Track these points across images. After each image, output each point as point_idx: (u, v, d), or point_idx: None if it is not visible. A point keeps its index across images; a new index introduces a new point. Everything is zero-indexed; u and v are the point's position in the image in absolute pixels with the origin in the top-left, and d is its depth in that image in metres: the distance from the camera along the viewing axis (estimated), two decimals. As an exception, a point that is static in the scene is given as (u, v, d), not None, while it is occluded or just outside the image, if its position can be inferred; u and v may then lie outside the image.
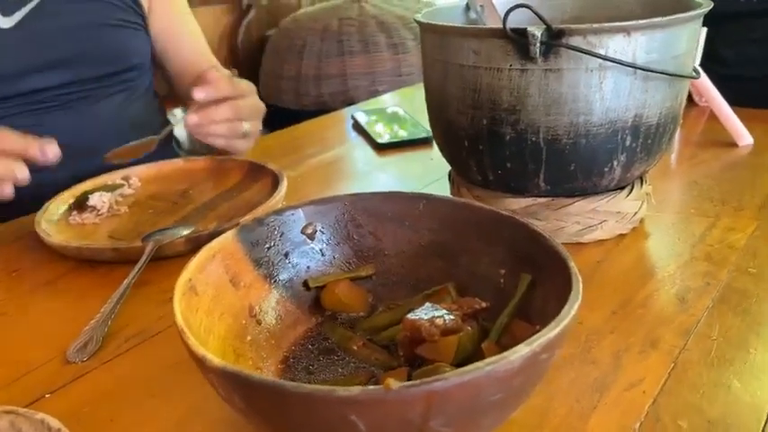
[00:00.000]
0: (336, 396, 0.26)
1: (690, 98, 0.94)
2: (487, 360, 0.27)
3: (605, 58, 0.48)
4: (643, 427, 0.37)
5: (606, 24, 0.48)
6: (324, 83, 1.94)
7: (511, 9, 0.49)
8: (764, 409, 0.38)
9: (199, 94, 0.68)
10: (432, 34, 0.57)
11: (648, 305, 0.49)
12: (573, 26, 0.48)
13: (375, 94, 1.32)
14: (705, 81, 0.84)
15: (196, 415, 0.40)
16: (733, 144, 0.80)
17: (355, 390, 0.26)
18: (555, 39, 0.48)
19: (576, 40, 0.48)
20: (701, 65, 0.84)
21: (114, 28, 0.88)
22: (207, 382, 0.34)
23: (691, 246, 0.57)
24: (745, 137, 0.80)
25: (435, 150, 0.85)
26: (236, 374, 0.28)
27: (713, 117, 0.85)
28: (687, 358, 0.42)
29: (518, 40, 0.49)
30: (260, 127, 0.78)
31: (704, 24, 0.81)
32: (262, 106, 0.78)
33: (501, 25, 0.49)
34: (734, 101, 0.82)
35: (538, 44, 0.48)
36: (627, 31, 0.49)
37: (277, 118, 1.77)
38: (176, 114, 2.08)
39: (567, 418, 0.38)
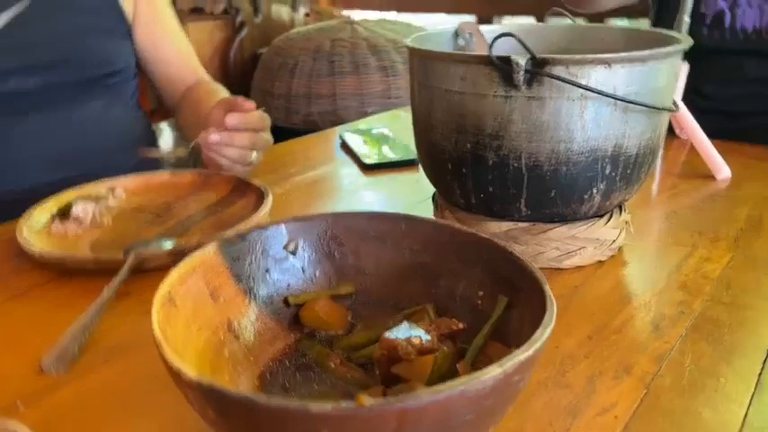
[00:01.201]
0: (309, 412, 0.26)
1: (671, 130, 0.96)
2: (460, 380, 0.28)
3: (586, 89, 0.50)
4: (614, 451, 0.37)
5: (588, 56, 0.50)
6: (314, 102, 1.96)
7: (497, 37, 0.50)
8: (733, 437, 0.38)
9: (232, 120, 0.72)
10: (420, 59, 0.59)
11: (624, 331, 0.49)
12: (556, 56, 0.49)
13: (364, 115, 1.34)
14: (686, 114, 0.86)
15: (172, 429, 0.40)
16: (711, 177, 0.82)
17: (328, 406, 0.26)
18: (538, 68, 0.50)
19: (558, 70, 0.50)
20: (684, 99, 0.87)
21: (97, 33, 0.89)
22: (183, 400, 0.34)
23: (667, 274, 0.58)
24: (723, 170, 0.82)
25: (421, 172, 0.86)
26: (210, 388, 0.28)
27: (693, 149, 0.87)
28: (659, 384, 0.43)
29: (503, 67, 0.50)
30: (261, 158, 0.81)
31: (690, 59, 0.83)
32: (271, 140, 0.82)
33: (487, 53, 0.50)
34: (715, 134, 0.84)
35: (522, 72, 0.49)
36: (608, 63, 0.50)
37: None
38: (161, 128, 2.09)
39: (540, 441, 0.38)
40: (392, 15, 2.57)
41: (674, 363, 0.45)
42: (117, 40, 0.93)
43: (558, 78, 0.50)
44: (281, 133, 1.17)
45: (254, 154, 0.78)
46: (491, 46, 0.50)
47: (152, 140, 1.07)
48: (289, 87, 1.98)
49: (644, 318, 0.51)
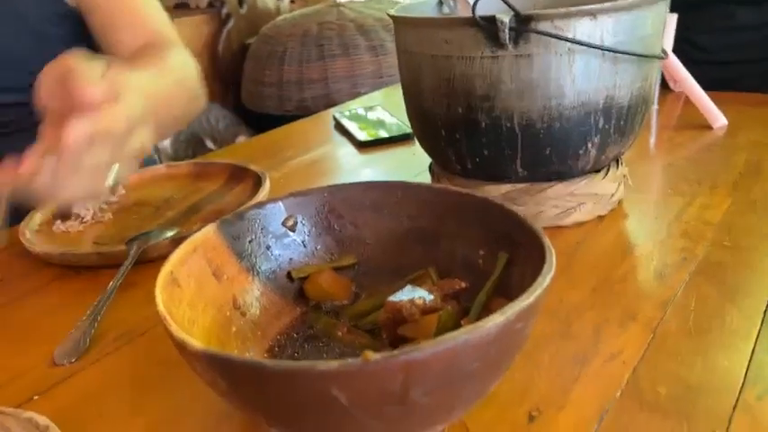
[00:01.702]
0: (316, 371, 0.27)
1: (665, 85, 0.95)
2: (463, 329, 0.28)
3: (573, 42, 0.49)
4: (623, 395, 0.38)
5: (573, 9, 0.49)
6: (306, 87, 1.95)
7: (479, -3, 0.50)
8: (741, 372, 0.39)
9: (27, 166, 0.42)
10: (404, 27, 0.58)
11: (627, 281, 0.50)
12: (540, 12, 0.49)
13: (357, 96, 1.33)
14: (678, 66, 0.86)
15: (185, 409, 0.40)
16: (708, 126, 0.82)
17: (334, 363, 0.27)
18: (523, 24, 0.49)
19: (544, 26, 0.49)
20: (676, 50, 0.86)
21: (56, 37, 0.79)
22: (194, 378, 0.34)
23: (668, 224, 0.58)
24: (719, 119, 0.82)
25: (417, 146, 0.86)
26: (217, 356, 0.28)
27: (688, 102, 0.86)
28: (665, 329, 0.43)
29: (488, 27, 0.50)
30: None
31: (682, 10, 0.82)
32: (141, 142, 0.48)
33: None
34: (709, 85, 0.84)
35: (507, 30, 0.49)
36: (593, 14, 0.50)
37: (261, 124, 1.77)
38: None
39: (549, 391, 0.38)
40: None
41: (679, 307, 0.45)
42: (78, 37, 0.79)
43: (544, 33, 0.49)
44: (275, 121, 1.17)
45: (113, 171, 0.46)
46: (474, 7, 0.50)
47: None
48: (280, 75, 1.97)
49: (647, 267, 0.51)
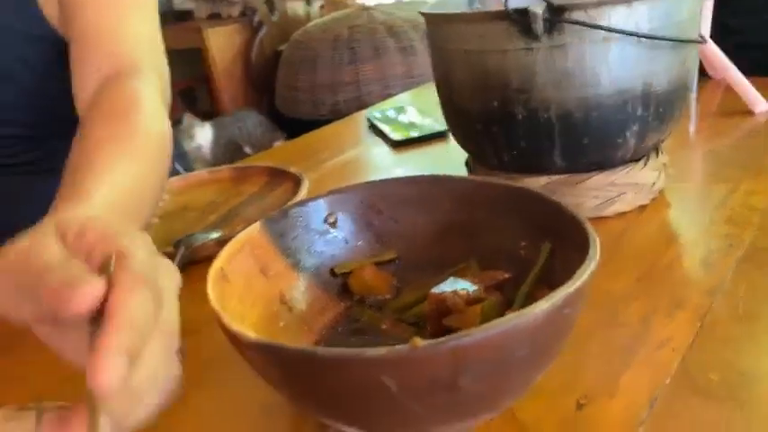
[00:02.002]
0: (365, 357, 0.27)
1: (703, 72, 0.94)
2: (511, 315, 0.28)
3: (608, 30, 0.49)
4: (673, 382, 0.37)
5: (607, -4, 0.49)
6: (338, 91, 1.97)
7: (512, -10, 0.50)
8: (795, 357, 0.38)
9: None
10: (437, 24, 0.59)
11: (673, 269, 0.49)
12: (573, 1, 0.49)
13: (388, 97, 1.34)
14: (716, 51, 0.84)
15: (233, 405, 0.41)
16: (749, 112, 0.80)
17: (383, 349, 0.27)
18: (557, 15, 0.49)
19: (577, 15, 0.49)
20: (713, 37, 0.84)
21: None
22: (241, 376, 0.35)
23: (712, 211, 0.57)
24: (760, 103, 0.80)
25: (451, 144, 0.86)
26: (270, 345, 0.29)
27: (728, 89, 0.85)
28: (714, 316, 0.43)
29: (520, 20, 0.50)
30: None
31: (715, -3, 0.81)
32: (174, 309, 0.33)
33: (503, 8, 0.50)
34: (748, 70, 0.82)
35: (540, 22, 0.49)
36: (628, 1, 0.49)
37: (295, 129, 1.80)
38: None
39: (598, 380, 0.38)
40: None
41: (727, 294, 0.45)
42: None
43: (578, 23, 0.49)
44: (309, 126, 1.19)
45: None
46: (506, 0, 0.50)
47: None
48: (312, 80, 1.99)
49: (692, 254, 0.51)
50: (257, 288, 0.41)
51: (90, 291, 0.26)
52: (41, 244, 0.30)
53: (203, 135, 2.09)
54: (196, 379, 0.44)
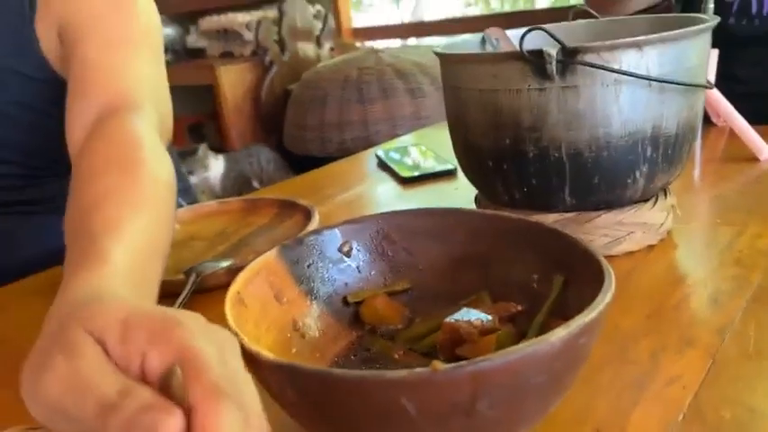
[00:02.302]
0: (386, 379, 0.27)
1: (708, 119, 0.96)
2: (529, 342, 0.29)
3: (620, 72, 0.51)
4: (686, 419, 0.37)
5: (618, 41, 0.51)
6: (346, 129, 2.00)
7: (527, 32, 0.52)
8: (807, 397, 0.38)
9: None
10: (451, 64, 0.61)
11: (682, 308, 0.49)
12: (587, 44, 0.51)
13: (395, 137, 1.37)
14: (720, 99, 0.86)
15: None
16: (754, 159, 0.81)
17: (403, 372, 0.27)
18: (570, 57, 0.51)
19: (590, 57, 0.51)
20: (719, 86, 0.86)
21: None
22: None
23: (720, 253, 0.57)
24: (764, 151, 0.81)
25: (460, 181, 0.88)
26: (288, 366, 0.30)
27: (733, 135, 0.86)
28: (725, 354, 0.43)
29: (535, 61, 0.52)
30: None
31: (723, 47, 0.83)
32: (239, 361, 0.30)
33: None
34: (753, 119, 0.84)
35: (554, 63, 0.51)
36: (639, 45, 0.51)
37: (303, 166, 1.82)
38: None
39: (610, 414, 0.38)
40: (412, 42, 2.62)
41: (737, 333, 0.45)
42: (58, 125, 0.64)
43: (591, 65, 0.51)
44: (317, 163, 1.21)
45: None
46: (521, 41, 0.52)
47: (185, 183, 1.02)
48: (321, 118, 2.03)
49: (701, 294, 0.51)
50: (272, 314, 0.42)
51: (174, 424, 0.23)
52: (85, 363, 0.26)
53: (216, 167, 2.12)
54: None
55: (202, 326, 0.27)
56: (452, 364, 0.27)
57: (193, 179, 2.07)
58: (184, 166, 2.10)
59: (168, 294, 0.59)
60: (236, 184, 2.11)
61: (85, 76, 0.61)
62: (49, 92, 0.70)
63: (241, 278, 0.40)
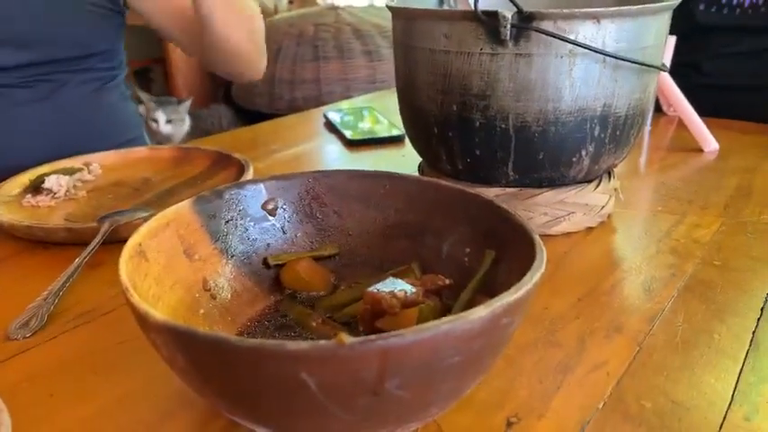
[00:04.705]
0: (285, 350, 0.24)
1: (659, 108, 0.95)
2: (446, 318, 0.26)
3: (575, 44, 0.48)
4: (606, 407, 0.36)
5: (576, 10, 0.48)
6: (298, 87, 1.93)
7: (482, -9, 0.48)
8: (728, 391, 0.37)
9: None
10: (403, 19, 0.57)
11: (614, 293, 0.48)
12: (543, 11, 0.48)
13: (349, 98, 1.32)
14: (674, 89, 0.85)
15: (141, 392, 0.38)
16: (699, 150, 0.81)
17: (305, 344, 0.25)
18: (526, 22, 0.48)
19: (546, 25, 0.48)
20: (681, 75, 0.86)
21: (81, 10, 0.85)
22: (153, 362, 0.32)
23: (657, 240, 0.57)
24: (710, 142, 0.81)
25: (406, 149, 0.85)
26: (178, 329, 0.26)
27: (681, 125, 0.86)
28: (652, 342, 0.42)
29: (489, 22, 0.49)
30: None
31: (689, 35, 0.82)
32: None
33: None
34: (709, 111, 0.84)
35: (508, 26, 0.48)
36: (597, 18, 0.49)
37: (250, 121, 1.75)
38: (159, 118, 2.07)
39: (530, 398, 0.37)
40: (378, 2, 2.55)
41: (666, 322, 0.44)
42: (100, 18, 0.89)
43: (546, 33, 0.48)
44: (265, 119, 1.15)
45: None
46: (476, 1, 0.49)
47: (139, 129, 1.04)
48: (272, 72, 1.95)
49: (635, 280, 0.50)
50: (179, 270, 0.38)
51: None
52: None
53: (187, 123, 2.08)
54: (101, 364, 0.41)
55: None
56: (359, 338, 0.25)
57: (168, 128, 2.04)
58: (164, 113, 2.04)
59: (80, 242, 0.55)
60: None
61: (184, 19, 0.89)
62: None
63: (145, 229, 0.36)
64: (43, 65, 0.83)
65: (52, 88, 0.85)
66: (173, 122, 2.06)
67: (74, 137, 0.86)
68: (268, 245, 0.44)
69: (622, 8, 0.49)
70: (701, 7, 1.04)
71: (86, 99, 0.89)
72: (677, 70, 0.81)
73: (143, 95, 2.09)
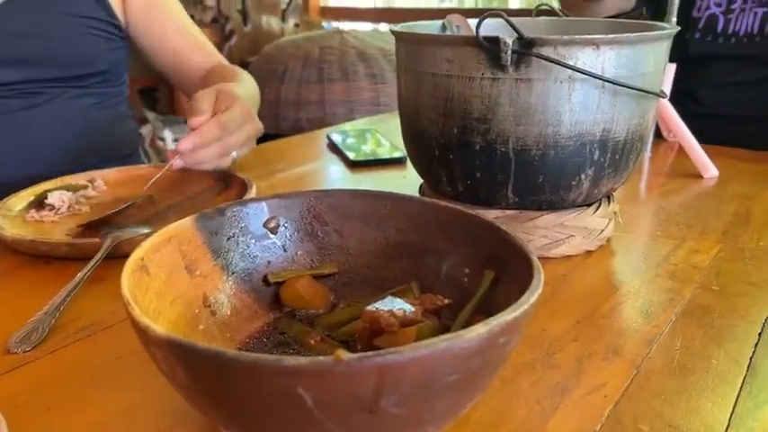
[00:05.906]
0: (283, 366, 0.25)
1: (659, 134, 0.96)
2: (444, 336, 0.26)
3: (575, 69, 0.49)
4: (603, 429, 0.36)
5: (576, 36, 0.49)
6: (303, 108, 1.95)
7: (483, 17, 0.50)
8: (725, 417, 0.37)
9: (185, 145, 0.67)
10: (406, 44, 0.58)
11: (613, 316, 0.48)
12: (544, 37, 0.49)
13: (352, 120, 1.33)
14: (674, 116, 0.86)
15: (140, 407, 0.38)
16: (699, 176, 0.82)
17: (303, 360, 0.25)
18: (526, 48, 0.49)
19: (546, 51, 0.49)
20: (679, 103, 0.87)
21: (81, 32, 0.88)
22: (152, 377, 0.32)
23: (656, 264, 0.57)
24: (710, 169, 0.82)
25: (408, 171, 0.85)
26: (178, 343, 0.26)
27: (681, 152, 0.87)
28: (650, 366, 0.42)
29: (490, 48, 0.50)
30: (253, 145, 0.78)
31: (685, 64, 0.83)
32: (256, 129, 0.77)
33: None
34: (706, 140, 0.85)
35: (509, 52, 0.49)
36: (596, 44, 0.49)
37: (256, 142, 1.77)
38: (166, 137, 2.08)
39: (527, 419, 0.37)
40: (384, 28, 2.58)
41: (664, 346, 0.44)
42: (102, 41, 0.91)
43: (546, 59, 0.49)
44: (269, 139, 1.16)
45: (235, 153, 0.73)
46: (478, 27, 0.50)
47: (135, 146, 1.05)
48: (278, 93, 1.97)
49: (633, 304, 0.50)
50: (180, 286, 0.38)
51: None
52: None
53: (171, 140, 2.09)
54: (101, 378, 0.41)
55: (247, 108, 0.73)
56: (357, 355, 0.25)
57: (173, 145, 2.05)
58: (172, 132, 2.06)
59: (82, 257, 0.55)
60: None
61: (180, 60, 1.00)
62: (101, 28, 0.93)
63: (148, 244, 0.37)
64: (46, 82, 0.85)
65: (51, 103, 0.87)
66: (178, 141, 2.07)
67: (68, 150, 0.88)
68: (269, 262, 0.45)
69: (621, 35, 0.50)
70: (697, 36, 1.05)
71: (82, 115, 0.91)
72: (676, 98, 0.82)
73: (150, 115, 2.11)
